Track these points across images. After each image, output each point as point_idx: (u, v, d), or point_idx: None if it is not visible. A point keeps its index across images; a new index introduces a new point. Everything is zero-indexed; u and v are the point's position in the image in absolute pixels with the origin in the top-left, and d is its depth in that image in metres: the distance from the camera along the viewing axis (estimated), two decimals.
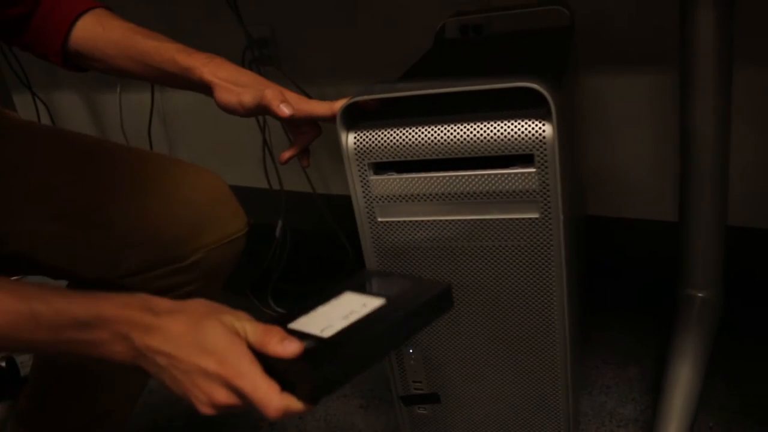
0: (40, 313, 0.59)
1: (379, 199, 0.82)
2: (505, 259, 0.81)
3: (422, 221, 0.82)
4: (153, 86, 1.94)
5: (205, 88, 0.83)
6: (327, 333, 0.62)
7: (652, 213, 1.41)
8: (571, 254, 0.84)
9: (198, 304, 0.63)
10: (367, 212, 0.83)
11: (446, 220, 0.81)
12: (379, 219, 0.83)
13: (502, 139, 0.74)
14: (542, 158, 0.74)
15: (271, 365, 0.58)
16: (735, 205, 1.19)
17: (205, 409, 0.59)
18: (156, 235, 0.80)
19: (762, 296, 1.25)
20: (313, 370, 0.58)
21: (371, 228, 0.84)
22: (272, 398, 0.57)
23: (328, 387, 0.59)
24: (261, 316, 1.55)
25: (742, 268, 1.24)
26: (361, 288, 0.72)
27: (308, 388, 0.57)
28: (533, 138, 0.74)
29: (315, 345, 0.60)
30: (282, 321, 0.65)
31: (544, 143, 0.74)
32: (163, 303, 0.62)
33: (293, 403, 0.57)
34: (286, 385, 0.58)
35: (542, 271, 0.81)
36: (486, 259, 0.82)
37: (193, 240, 0.82)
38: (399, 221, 0.83)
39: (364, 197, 0.83)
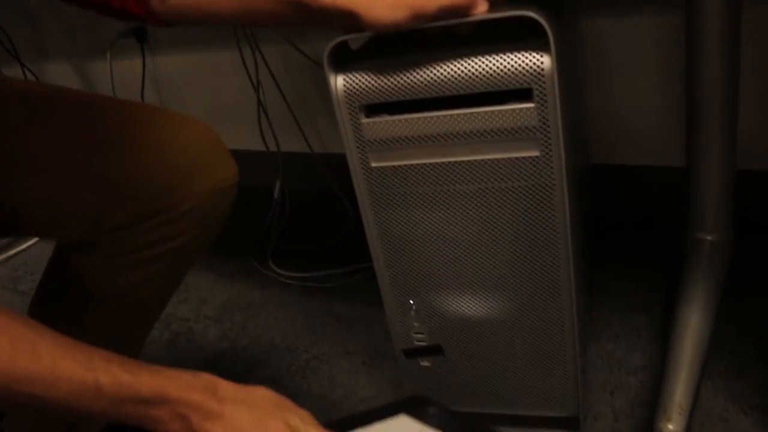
0: (104, 386, 0.59)
1: (372, 144, 0.79)
2: (505, 201, 0.78)
3: (418, 165, 0.78)
4: (144, 51, 1.90)
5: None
6: None
7: (658, 159, 1.38)
8: (574, 195, 0.80)
9: (263, 397, 0.64)
10: (360, 158, 0.80)
11: (443, 163, 0.77)
12: (373, 164, 0.80)
13: (498, 74, 0.71)
14: (541, 92, 0.71)
15: None
16: (743, 147, 1.15)
17: None
18: (144, 186, 0.78)
19: None
20: None
21: (365, 174, 0.81)
22: None
23: None
24: (261, 278, 1.54)
25: (751, 211, 1.20)
26: (417, 416, 0.72)
27: None
28: (531, 71, 0.70)
29: None
30: (339, 426, 0.68)
31: (543, 76, 0.70)
32: (227, 388, 0.63)
33: None
34: None
35: (545, 214, 0.77)
36: (486, 202, 0.78)
37: (182, 188, 0.79)
38: (394, 166, 0.79)
39: (356, 142, 0.79)
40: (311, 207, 1.77)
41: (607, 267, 1.29)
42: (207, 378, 0.64)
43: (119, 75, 1.96)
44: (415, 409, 0.74)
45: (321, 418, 0.69)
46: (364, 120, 0.78)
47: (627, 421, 0.99)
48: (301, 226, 1.70)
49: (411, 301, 0.90)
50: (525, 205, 0.77)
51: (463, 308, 0.88)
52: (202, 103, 1.95)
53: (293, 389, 1.19)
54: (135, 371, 0.62)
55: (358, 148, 0.79)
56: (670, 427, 0.85)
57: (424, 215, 0.82)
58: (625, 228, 1.39)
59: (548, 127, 0.72)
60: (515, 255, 0.81)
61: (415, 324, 0.92)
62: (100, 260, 0.80)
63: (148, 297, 0.87)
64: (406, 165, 0.79)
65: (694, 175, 1.10)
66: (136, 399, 0.61)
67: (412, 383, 1.01)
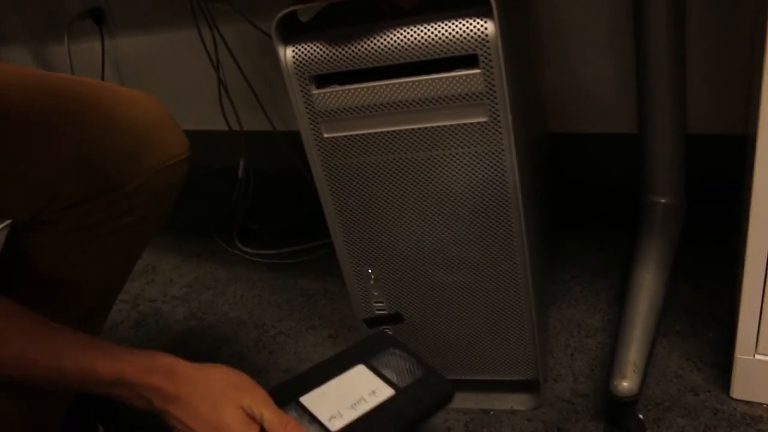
0: (67, 371, 0.66)
1: (324, 114, 0.79)
2: (457, 168, 0.79)
3: (369, 134, 0.79)
4: (102, 33, 1.88)
5: None
6: (335, 426, 0.68)
7: (614, 126, 1.39)
8: (525, 161, 0.82)
9: (221, 378, 0.67)
10: (312, 129, 0.81)
11: (394, 131, 0.78)
12: (326, 135, 0.81)
13: (443, 41, 0.72)
14: (486, 58, 0.72)
15: None
16: (694, 113, 1.17)
17: None
18: (94, 163, 0.77)
19: (723, 201, 1.24)
20: None
21: (318, 146, 0.82)
22: None
23: None
24: (228, 257, 1.55)
25: (703, 174, 1.23)
26: (373, 365, 0.77)
27: None
28: (475, 37, 0.71)
29: None
30: (295, 389, 0.72)
31: (487, 42, 0.71)
32: (185, 371, 0.67)
33: None
34: None
35: (496, 179, 0.79)
36: (438, 169, 0.80)
37: (132, 164, 0.79)
38: (346, 136, 0.80)
39: (308, 113, 0.80)
40: (275, 185, 1.77)
41: (568, 234, 1.31)
42: (166, 361, 0.68)
43: (78, 58, 1.94)
44: (374, 352, 0.79)
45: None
46: (315, 91, 0.78)
47: (586, 381, 1.01)
48: (266, 205, 1.70)
49: (369, 271, 0.91)
50: (476, 172, 0.79)
51: (420, 276, 0.89)
52: (163, 84, 1.93)
53: (261, 365, 1.20)
54: (96, 356, 0.67)
55: (309, 119, 0.80)
56: (625, 384, 0.87)
57: (379, 184, 0.83)
58: (584, 195, 1.41)
59: (495, 92, 0.73)
60: (469, 222, 0.83)
61: (375, 293, 0.93)
62: (52, 238, 0.80)
63: (104, 272, 0.87)
64: (358, 135, 0.79)
65: (646, 140, 1.12)
66: (98, 382, 0.66)
67: None
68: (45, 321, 0.68)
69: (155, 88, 1.96)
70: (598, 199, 1.40)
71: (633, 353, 0.90)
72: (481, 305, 0.90)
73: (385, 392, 0.73)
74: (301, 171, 1.58)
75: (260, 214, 1.67)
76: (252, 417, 0.65)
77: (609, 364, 1.02)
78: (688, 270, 1.13)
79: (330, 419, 0.69)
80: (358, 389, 0.73)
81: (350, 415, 0.70)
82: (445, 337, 0.95)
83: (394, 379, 0.75)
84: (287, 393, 0.71)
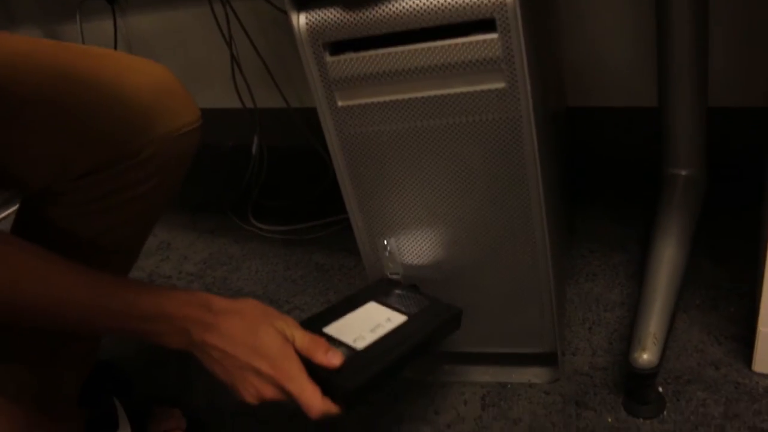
0: (110, 308, 0.68)
1: (338, 82, 0.78)
2: (474, 136, 0.77)
3: (384, 102, 0.78)
4: (114, 12, 1.87)
5: None
6: (359, 345, 0.74)
7: (633, 100, 1.37)
8: (543, 129, 0.80)
9: (252, 307, 0.71)
10: (327, 98, 0.79)
11: (409, 99, 0.77)
12: (340, 104, 0.79)
13: (459, 5, 0.70)
14: (504, 22, 0.70)
15: (314, 369, 0.68)
16: (717, 85, 1.15)
17: (251, 400, 0.68)
18: (103, 132, 0.76)
19: (745, 173, 1.22)
20: (352, 384, 0.68)
21: (332, 114, 0.80)
22: (316, 402, 0.66)
23: (361, 398, 0.70)
24: (242, 233, 1.54)
25: (725, 147, 1.21)
26: (384, 301, 0.84)
27: (345, 398, 0.68)
28: (492, 0, 0.69)
29: (351, 355, 0.71)
30: (317, 323, 0.77)
31: (505, 5, 0.69)
32: (220, 303, 0.70)
33: (332, 408, 0.67)
34: (326, 391, 0.67)
35: (513, 147, 0.77)
36: (455, 138, 0.78)
37: (142, 133, 0.78)
38: (360, 104, 0.79)
39: (322, 81, 0.78)
40: (290, 162, 1.76)
41: (587, 208, 1.30)
42: (201, 295, 0.71)
43: (90, 37, 1.93)
44: (382, 293, 0.86)
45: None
46: (329, 58, 0.77)
47: (605, 355, 1.00)
48: (280, 181, 1.69)
49: (385, 242, 0.90)
50: (494, 140, 0.77)
51: (436, 247, 0.88)
52: (176, 61, 1.92)
53: None
54: (137, 291, 0.69)
55: (324, 87, 0.79)
56: (645, 356, 0.86)
57: (394, 154, 0.81)
58: (603, 169, 1.39)
59: (513, 58, 0.71)
60: (487, 191, 0.81)
61: (390, 265, 0.92)
62: (66, 209, 0.79)
63: (118, 244, 0.86)
64: (372, 103, 0.78)
65: (666, 113, 1.10)
66: (139, 317, 0.68)
67: None
68: (82, 264, 0.69)
69: (168, 65, 1.94)
70: (616, 173, 1.38)
71: (653, 326, 0.89)
72: (499, 277, 0.89)
73: (399, 318, 0.79)
74: (316, 147, 1.57)
75: (274, 191, 1.66)
76: (285, 338, 0.68)
77: (628, 337, 1.01)
78: (709, 243, 1.11)
79: (354, 341, 0.74)
80: (374, 318, 0.79)
81: (372, 337, 0.75)
82: (463, 309, 0.94)
83: (404, 309, 0.81)
84: (310, 326, 0.74)
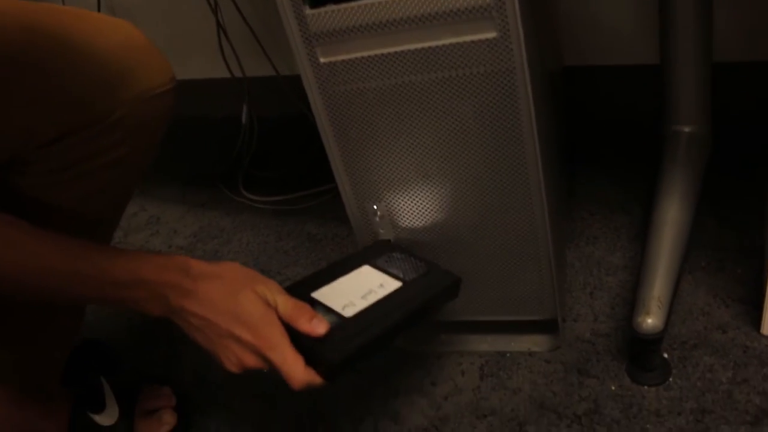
0: (84, 274, 0.66)
1: (319, 37, 0.73)
2: (465, 91, 0.73)
3: (369, 57, 0.73)
4: None
5: None
6: (348, 312, 0.69)
7: (633, 57, 1.32)
8: (538, 83, 0.75)
9: (233, 270, 0.68)
10: (308, 54, 0.74)
11: (395, 53, 0.72)
12: (322, 60, 0.75)
13: None
14: None
15: (297, 337, 0.64)
16: (722, 40, 1.10)
17: (233, 369, 0.66)
18: (71, 95, 0.72)
19: (750, 130, 1.17)
20: (337, 356, 0.64)
21: (314, 72, 0.76)
22: (298, 372, 0.63)
23: (345, 368, 0.66)
24: (233, 205, 1.50)
25: (732, 104, 1.16)
26: (378, 265, 0.79)
27: (329, 369, 0.64)
28: None
29: (337, 323, 0.67)
30: (305, 288, 0.72)
31: None
32: (200, 266, 0.67)
33: (315, 379, 0.63)
34: (309, 360, 0.63)
35: (507, 102, 0.72)
36: (444, 93, 0.73)
37: (112, 95, 0.73)
38: (343, 60, 0.74)
39: (302, 36, 0.73)
40: (280, 131, 1.71)
41: (586, 170, 1.25)
42: (180, 259, 0.68)
43: (72, 4, 1.87)
44: (377, 256, 0.82)
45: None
46: (309, 11, 0.72)
47: (607, 321, 0.96)
48: (271, 151, 1.65)
49: (374, 207, 0.85)
50: (486, 94, 0.72)
51: (429, 211, 0.84)
52: (161, 31, 1.85)
53: None
54: (113, 257, 0.67)
55: (304, 43, 0.74)
56: (649, 321, 0.82)
57: (381, 112, 0.77)
58: (601, 129, 1.34)
59: (504, 4, 0.66)
60: (480, 150, 0.77)
61: (381, 230, 0.88)
62: (36, 179, 0.75)
63: (95, 213, 0.82)
64: (356, 58, 0.73)
65: (669, 67, 1.05)
66: (115, 283, 0.66)
67: None
68: (57, 232, 0.67)
69: (152, 35, 1.89)
70: (615, 133, 1.33)
71: (657, 289, 0.85)
72: (495, 242, 0.85)
73: (393, 284, 0.75)
74: (306, 116, 1.51)
75: (265, 161, 1.61)
76: (267, 303, 0.65)
77: (631, 302, 0.97)
78: (715, 202, 1.07)
79: (343, 308, 0.70)
80: (367, 284, 0.75)
81: (362, 304, 0.71)
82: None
83: (399, 274, 0.77)
84: (297, 291, 0.70)
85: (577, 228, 1.13)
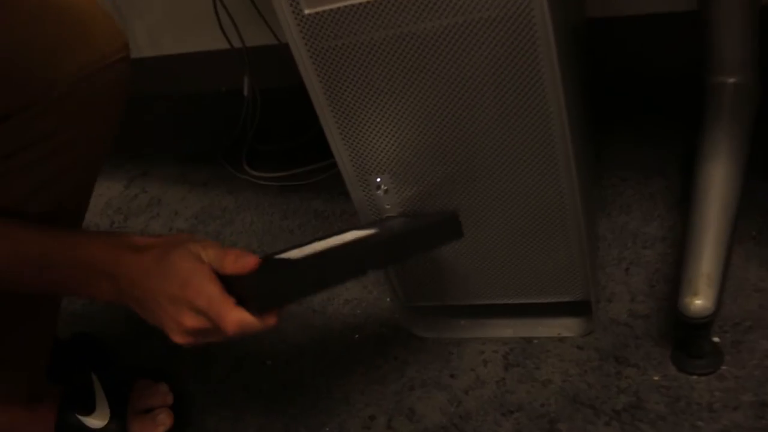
0: (26, 256, 0.63)
1: None
2: (475, 41, 0.62)
3: (360, 5, 0.62)
4: None
5: None
6: (297, 255, 0.62)
7: (664, 4, 1.19)
8: (561, 28, 0.64)
9: (172, 237, 0.63)
10: (290, 4, 0.64)
11: None
12: (307, 12, 0.64)
13: None
14: None
15: (231, 285, 0.59)
16: None
17: (178, 338, 0.61)
18: (9, 68, 0.62)
19: None
20: (260, 280, 0.58)
21: (299, 25, 0.65)
22: (227, 312, 0.57)
23: (276, 299, 0.59)
24: (236, 183, 1.41)
25: None
26: (368, 226, 0.72)
27: (254, 297, 0.57)
28: None
29: (276, 262, 0.61)
30: (273, 254, 0.64)
31: None
32: (141, 239, 0.63)
33: (246, 317, 0.58)
34: (241, 302, 0.58)
35: (526, 49, 0.61)
36: (450, 45, 0.62)
37: (51, 68, 0.63)
38: (331, 9, 0.63)
39: None
40: (285, 102, 1.60)
41: (615, 131, 1.13)
42: (123, 235, 0.64)
43: None
44: (373, 223, 0.74)
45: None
46: None
47: (646, 300, 0.85)
48: (276, 124, 1.54)
49: (378, 180, 0.75)
50: (500, 43, 0.61)
51: (440, 181, 0.73)
52: (156, 4, 1.77)
53: None
54: (55, 237, 0.64)
55: None
56: (698, 302, 0.71)
57: (379, 70, 0.66)
58: (630, 86, 1.22)
59: None
60: (497, 110, 0.66)
61: (387, 206, 0.77)
62: None
63: (52, 205, 0.72)
64: (346, 6, 0.62)
65: (710, 11, 0.92)
66: (61, 264, 0.63)
67: (397, 279, 0.88)
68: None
69: (148, 9, 1.79)
70: (646, 90, 1.20)
71: (706, 264, 0.74)
72: (518, 214, 0.74)
73: (368, 232, 0.68)
74: None
75: (270, 134, 1.52)
76: (200, 258, 0.60)
77: (672, 278, 0.86)
78: (766, 163, 0.95)
79: (296, 255, 0.63)
80: (341, 239, 0.67)
81: (317, 248, 0.64)
82: (476, 256, 0.79)
83: (384, 225, 0.70)
84: (264, 259, 0.62)
85: (608, 196, 1.02)
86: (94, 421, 0.91)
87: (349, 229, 0.71)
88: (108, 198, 1.52)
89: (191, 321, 0.59)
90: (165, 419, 0.92)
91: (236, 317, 0.57)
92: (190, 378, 1.00)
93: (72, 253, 0.63)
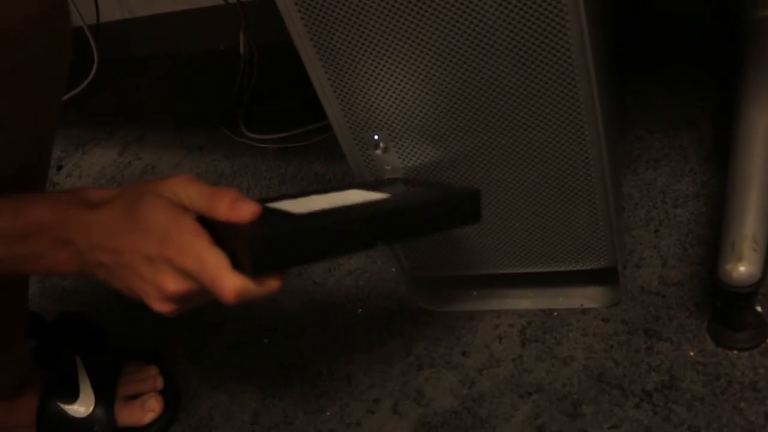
0: None
1: None
2: None
3: None
4: None
5: None
6: (299, 210, 0.51)
7: None
8: None
9: (137, 184, 0.52)
10: None
11: None
12: None
13: None
14: None
15: (222, 238, 0.47)
16: None
17: (160, 306, 0.50)
18: None
19: None
20: (262, 235, 0.45)
21: None
22: (224, 278, 0.46)
23: (276, 259, 0.46)
24: (233, 146, 1.32)
25: None
26: (373, 187, 0.61)
27: (254, 256, 0.45)
28: None
29: (277, 216, 0.50)
30: (263, 201, 0.52)
31: None
32: (98, 193, 0.53)
33: (248, 285, 0.46)
34: (237, 262, 0.47)
35: None
36: None
37: None
38: None
39: None
40: (283, 60, 1.51)
41: (639, 78, 1.03)
42: (73, 191, 0.54)
43: None
44: (376, 183, 0.65)
45: None
46: None
47: (679, 265, 0.77)
48: (274, 83, 1.46)
49: (376, 137, 0.66)
50: None
51: (446, 137, 0.64)
52: None
53: None
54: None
55: None
56: (742, 268, 0.62)
57: (374, 6, 0.57)
58: (658, 27, 1.11)
59: None
60: (511, 48, 0.56)
61: (387, 167, 0.69)
62: None
63: None
64: None
65: None
66: (6, 236, 0.53)
67: (403, 248, 0.79)
68: None
69: None
70: (673, 31, 1.10)
71: (750, 224, 0.65)
72: (535, 172, 0.65)
73: (375, 196, 0.57)
74: None
75: (268, 94, 1.43)
76: (179, 203, 0.49)
77: (708, 240, 0.77)
78: None
79: (297, 210, 0.52)
80: (344, 199, 0.56)
81: (322, 206, 0.52)
82: (490, 221, 0.71)
83: (393, 191, 0.60)
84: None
85: (634, 150, 0.93)
86: (78, 409, 0.85)
87: (349, 186, 0.62)
88: (101, 166, 1.45)
89: (175, 284, 0.48)
90: (154, 405, 0.85)
91: (236, 284, 0.46)
92: (183, 358, 0.93)
93: (13, 222, 0.53)
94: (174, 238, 0.47)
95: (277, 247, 0.46)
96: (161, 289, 0.48)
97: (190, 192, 0.49)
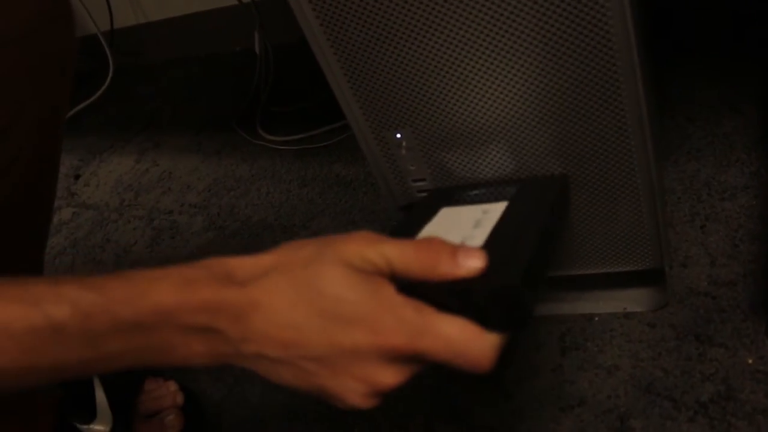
0: (61, 322, 0.37)
1: None
2: None
3: None
4: None
5: None
6: (474, 242, 0.46)
7: None
8: None
9: (291, 250, 0.41)
10: None
11: None
12: None
13: None
14: None
15: (428, 297, 0.39)
16: None
17: (364, 402, 0.40)
18: None
19: None
20: (510, 276, 0.39)
21: None
22: (477, 344, 0.38)
23: (531, 295, 0.40)
24: (250, 150, 1.28)
25: None
26: (458, 202, 0.57)
27: (506, 304, 0.39)
28: None
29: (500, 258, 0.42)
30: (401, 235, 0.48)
31: None
32: (241, 264, 0.41)
33: (495, 340, 0.39)
34: (480, 319, 0.39)
35: None
36: None
37: None
38: None
39: None
40: (299, 59, 1.47)
41: (678, 63, 0.97)
42: (209, 263, 0.41)
43: None
44: (448, 199, 0.59)
45: None
46: None
47: (730, 263, 0.71)
48: (291, 82, 1.41)
49: (398, 135, 0.62)
50: None
51: (474, 133, 0.59)
52: None
53: None
54: (100, 287, 0.39)
55: None
56: None
57: (393, 3, 0.52)
58: (695, 12, 1.05)
59: None
60: (544, 34, 0.51)
61: (411, 167, 0.64)
62: None
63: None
64: None
65: None
66: (117, 326, 0.38)
67: None
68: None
69: None
70: (712, 16, 1.04)
71: None
72: (574, 168, 0.60)
73: (498, 206, 0.52)
74: None
75: (285, 94, 1.39)
76: (373, 268, 0.40)
77: (761, 235, 0.72)
78: None
79: (463, 241, 0.47)
80: (465, 217, 0.52)
81: (483, 231, 0.48)
82: None
83: (494, 197, 0.55)
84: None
85: (673, 140, 0.87)
86: (96, 428, 0.81)
87: (437, 209, 0.56)
88: (119, 174, 1.41)
89: (395, 377, 0.40)
90: (174, 422, 0.81)
91: (489, 345, 0.39)
92: (205, 374, 0.88)
93: (130, 308, 0.39)
94: (389, 320, 0.38)
95: (527, 281, 0.40)
96: (374, 384, 0.40)
97: (387, 253, 0.40)
